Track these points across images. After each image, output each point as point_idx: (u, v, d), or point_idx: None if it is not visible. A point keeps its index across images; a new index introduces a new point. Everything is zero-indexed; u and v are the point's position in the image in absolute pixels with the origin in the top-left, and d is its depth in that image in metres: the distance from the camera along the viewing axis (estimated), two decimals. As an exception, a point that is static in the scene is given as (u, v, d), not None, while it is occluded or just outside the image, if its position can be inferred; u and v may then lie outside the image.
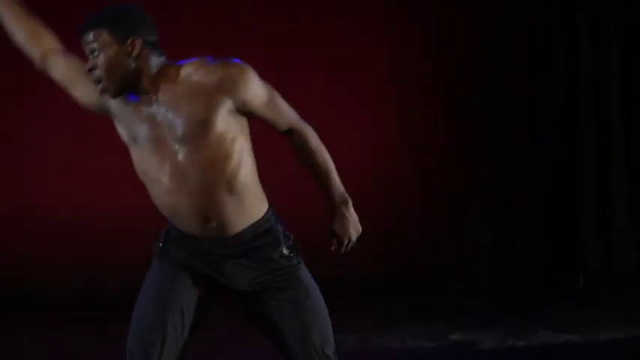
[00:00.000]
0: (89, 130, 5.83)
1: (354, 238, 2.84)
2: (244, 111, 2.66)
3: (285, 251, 2.76)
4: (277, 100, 2.73)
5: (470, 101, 7.10)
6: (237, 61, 2.66)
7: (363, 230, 2.85)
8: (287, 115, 2.76)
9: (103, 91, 2.66)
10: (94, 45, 2.64)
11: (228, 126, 2.62)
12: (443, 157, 7.11)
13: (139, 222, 5.20)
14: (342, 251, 2.85)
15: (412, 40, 7.01)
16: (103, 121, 2.86)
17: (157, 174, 2.66)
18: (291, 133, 2.79)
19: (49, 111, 6.39)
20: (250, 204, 2.70)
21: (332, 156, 2.81)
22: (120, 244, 6.67)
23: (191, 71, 2.64)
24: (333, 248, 2.84)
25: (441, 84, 7.09)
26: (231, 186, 2.64)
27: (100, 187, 6.73)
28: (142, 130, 2.65)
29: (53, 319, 6.03)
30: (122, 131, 2.72)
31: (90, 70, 2.65)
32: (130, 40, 2.63)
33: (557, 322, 5.53)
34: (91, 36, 2.64)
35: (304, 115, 2.80)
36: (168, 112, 2.62)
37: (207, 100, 2.59)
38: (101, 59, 2.63)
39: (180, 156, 2.62)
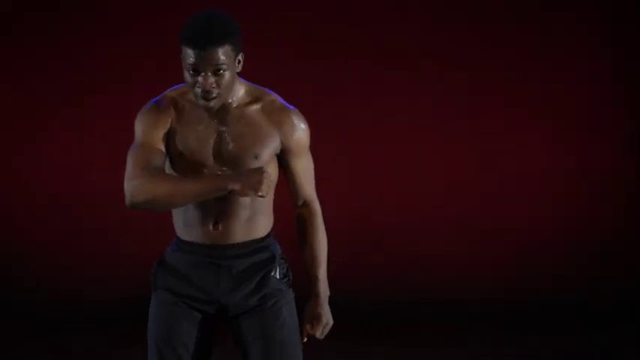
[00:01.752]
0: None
1: (331, 324, 2.86)
2: (286, 157, 2.77)
3: (278, 274, 2.82)
4: (312, 168, 2.85)
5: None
6: (294, 109, 2.77)
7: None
8: (312, 185, 2.86)
9: (208, 107, 2.63)
10: (222, 62, 2.57)
11: (270, 161, 2.73)
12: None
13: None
14: (323, 336, 2.86)
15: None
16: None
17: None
18: (306, 205, 2.86)
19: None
20: (259, 222, 2.78)
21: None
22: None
23: (265, 100, 2.73)
24: (311, 332, 2.83)
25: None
26: (252, 203, 2.72)
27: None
28: (201, 141, 2.69)
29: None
30: (177, 140, 2.69)
31: (208, 89, 2.58)
32: (240, 55, 2.64)
33: None
34: (219, 52, 2.56)
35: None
36: (230, 129, 2.68)
37: (265, 135, 2.71)
38: (226, 76, 2.59)
39: (226, 171, 2.68)
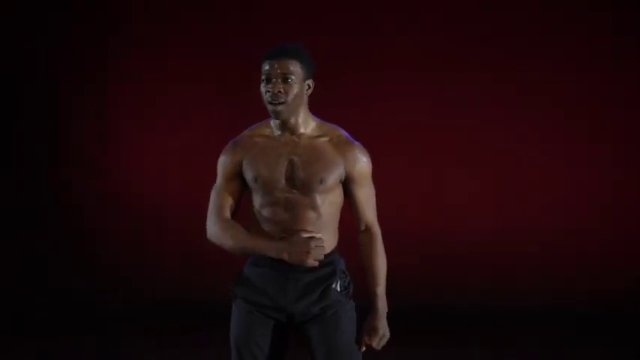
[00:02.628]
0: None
1: (387, 337, 3.17)
2: (349, 185, 3.10)
3: (339, 287, 3.11)
4: (373, 196, 3.16)
5: None
6: (358, 144, 3.10)
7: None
8: (373, 212, 3.17)
9: (278, 113, 3.00)
10: (291, 72, 2.99)
11: (335, 187, 3.07)
12: None
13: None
14: (380, 347, 3.15)
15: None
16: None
17: (270, 198, 3.06)
18: (368, 229, 3.17)
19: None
20: (324, 239, 3.06)
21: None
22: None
23: (333, 134, 3.08)
24: (369, 342, 3.12)
25: None
26: (316, 221, 3.07)
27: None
28: (273, 168, 3.05)
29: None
30: (251, 169, 3.07)
31: (276, 93, 2.97)
32: (310, 81, 3.04)
33: None
34: (289, 63, 2.99)
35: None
36: (301, 158, 3.04)
37: (331, 163, 3.05)
38: (293, 87, 2.99)
39: (296, 193, 3.05)
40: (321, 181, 3.05)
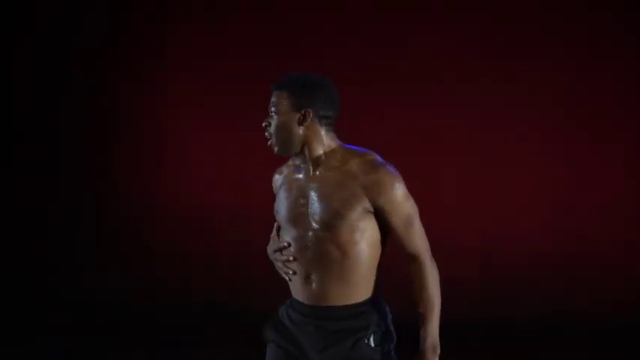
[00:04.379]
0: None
1: None
2: (381, 216, 2.79)
3: (373, 342, 2.83)
4: (414, 222, 2.82)
5: None
6: (393, 170, 2.79)
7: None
8: (417, 240, 2.82)
9: (271, 146, 2.88)
10: (274, 104, 2.85)
11: (362, 220, 2.78)
12: None
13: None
14: None
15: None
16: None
17: (291, 234, 2.87)
18: (414, 260, 2.83)
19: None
20: (354, 285, 2.82)
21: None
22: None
23: (353, 161, 2.81)
24: None
25: None
26: (342, 261, 2.80)
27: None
28: (295, 201, 2.87)
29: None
30: (281, 201, 2.94)
31: (265, 126, 2.87)
32: (303, 110, 2.82)
33: None
34: (276, 96, 2.86)
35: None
36: (317, 191, 2.83)
37: (350, 195, 2.78)
38: (275, 120, 2.85)
39: (318, 230, 2.81)
40: (341, 217, 2.78)
